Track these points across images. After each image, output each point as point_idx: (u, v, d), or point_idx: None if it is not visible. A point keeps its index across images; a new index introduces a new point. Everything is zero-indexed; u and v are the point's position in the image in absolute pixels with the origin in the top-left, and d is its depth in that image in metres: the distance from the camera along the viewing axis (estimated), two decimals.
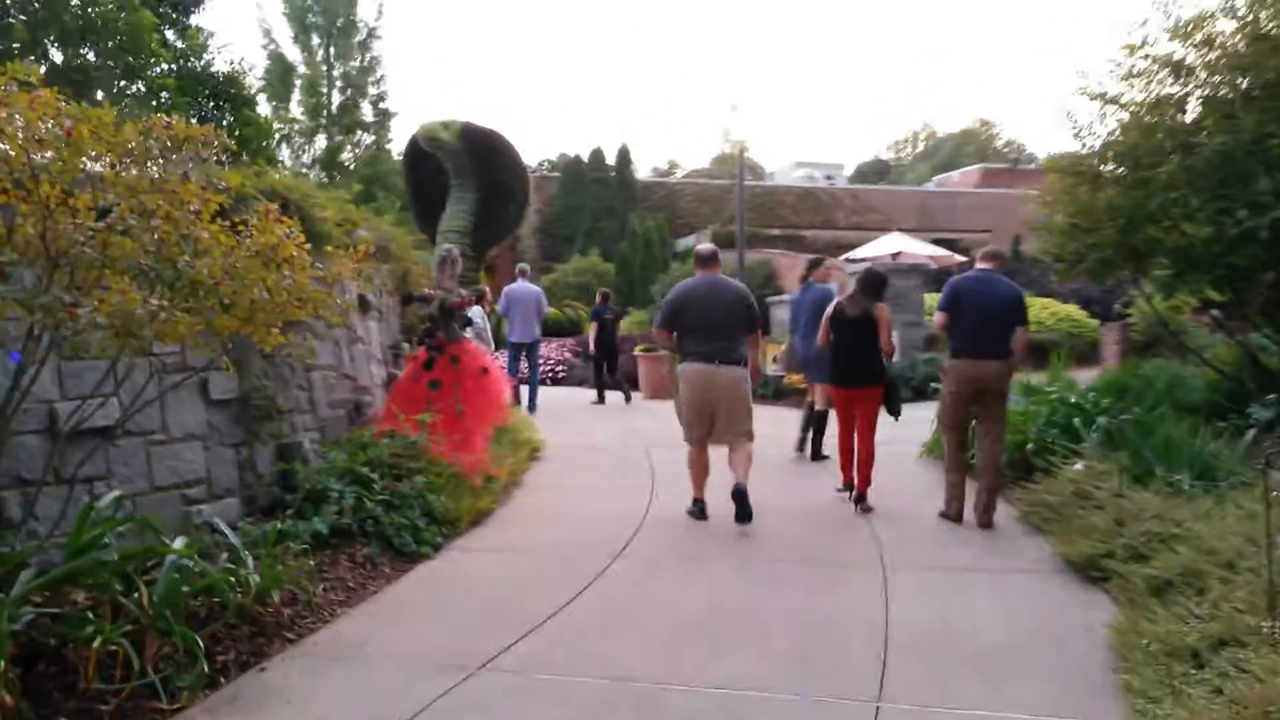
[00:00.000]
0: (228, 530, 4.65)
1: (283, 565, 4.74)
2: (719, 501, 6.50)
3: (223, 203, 4.13)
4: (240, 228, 4.15)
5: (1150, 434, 6.50)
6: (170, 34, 12.20)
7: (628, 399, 13.54)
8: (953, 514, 6.46)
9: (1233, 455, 6.11)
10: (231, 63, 13.29)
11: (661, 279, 22.42)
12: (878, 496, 6.95)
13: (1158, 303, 9.95)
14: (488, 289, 12.97)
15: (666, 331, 6.67)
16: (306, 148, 31.53)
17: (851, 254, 22.15)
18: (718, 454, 6.72)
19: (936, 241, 27.62)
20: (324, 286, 6.78)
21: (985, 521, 6.28)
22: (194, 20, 13.28)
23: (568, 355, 17.62)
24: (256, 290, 3.61)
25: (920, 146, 73.17)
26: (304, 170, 31.85)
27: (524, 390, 12.16)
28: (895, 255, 20.50)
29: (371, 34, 31.85)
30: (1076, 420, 7.13)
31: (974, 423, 6.77)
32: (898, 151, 74.81)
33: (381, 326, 8.41)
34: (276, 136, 30.84)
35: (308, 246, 4.13)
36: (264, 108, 31.00)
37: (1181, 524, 4.76)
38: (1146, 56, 7.47)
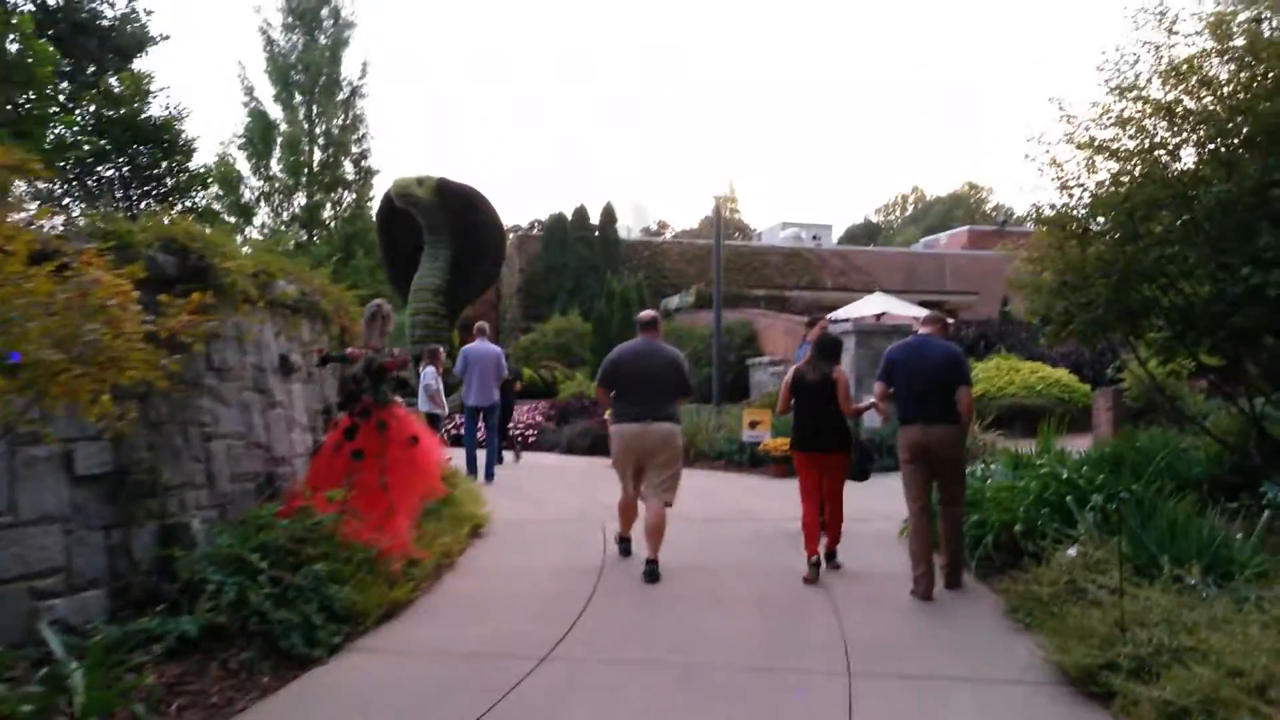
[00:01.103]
0: (50, 635, 3.88)
1: (128, 676, 3.97)
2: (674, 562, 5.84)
3: (45, 244, 3.44)
4: (68, 274, 3.47)
5: (1152, 515, 5.79)
6: (114, 80, 11.68)
7: (499, 460, 13.06)
8: (920, 592, 6.08)
9: (1247, 543, 5.38)
10: (168, 108, 12.80)
11: None
12: (851, 580, 6.22)
13: (1154, 367, 9.31)
14: (441, 348, 12.29)
15: (604, 390, 7.12)
16: (286, 205, 31.15)
17: (834, 314, 21.57)
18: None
19: (923, 303, 27.12)
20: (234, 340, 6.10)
21: (952, 583, 6.17)
22: (137, 65, 12.81)
23: (539, 419, 16.83)
24: (36, 347, 2.88)
25: (909, 209, 73.39)
26: (283, 228, 31.44)
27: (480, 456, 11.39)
28: (879, 316, 19.93)
29: (355, 92, 31.72)
30: (1069, 499, 6.42)
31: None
32: (886, 214, 75.04)
33: (309, 389, 7.68)
34: (256, 193, 30.51)
35: (136, 294, 3.43)
36: (243, 165, 30.76)
37: (1195, 631, 4.02)
38: (1138, 99, 6.90)
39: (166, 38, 13.87)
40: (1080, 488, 6.56)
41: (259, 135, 30.15)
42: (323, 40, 30.90)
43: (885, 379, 6.47)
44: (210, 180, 13.22)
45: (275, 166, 30.71)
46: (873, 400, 7.82)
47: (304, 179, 30.73)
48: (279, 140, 30.51)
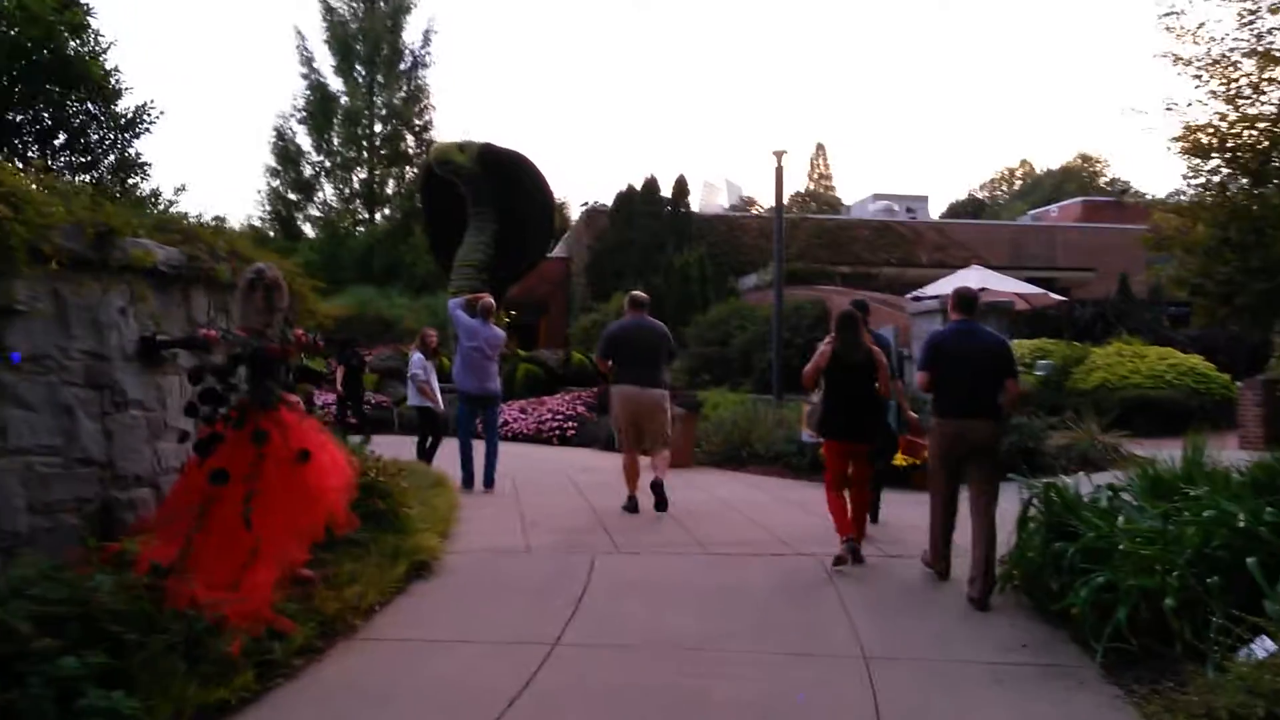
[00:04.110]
0: None
1: None
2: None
3: None
4: None
5: None
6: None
7: (367, 439, 11.65)
8: (939, 570, 5.96)
9: None
10: (79, 40, 11.03)
11: (698, 319, 19.68)
12: (898, 662, 4.19)
13: None
14: (432, 330, 10.48)
15: (603, 360, 8.21)
16: (346, 181, 30.05)
17: (920, 291, 19.13)
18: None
19: (1032, 280, 24.32)
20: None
21: (980, 602, 5.34)
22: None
23: (579, 410, 14.96)
24: None
25: (1017, 184, 69.02)
26: (345, 202, 30.41)
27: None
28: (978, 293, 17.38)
29: (417, 62, 30.35)
30: (1252, 561, 4.21)
31: None
32: (992, 189, 70.80)
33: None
34: (316, 168, 29.31)
35: None
36: (304, 139, 29.70)
37: None
38: None
39: None
40: (1266, 541, 4.35)
41: (318, 107, 29.04)
42: (383, 7, 29.56)
43: (931, 368, 5.86)
44: (142, 127, 11.74)
45: (336, 140, 29.61)
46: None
47: (364, 153, 29.54)
48: (339, 113, 29.36)
